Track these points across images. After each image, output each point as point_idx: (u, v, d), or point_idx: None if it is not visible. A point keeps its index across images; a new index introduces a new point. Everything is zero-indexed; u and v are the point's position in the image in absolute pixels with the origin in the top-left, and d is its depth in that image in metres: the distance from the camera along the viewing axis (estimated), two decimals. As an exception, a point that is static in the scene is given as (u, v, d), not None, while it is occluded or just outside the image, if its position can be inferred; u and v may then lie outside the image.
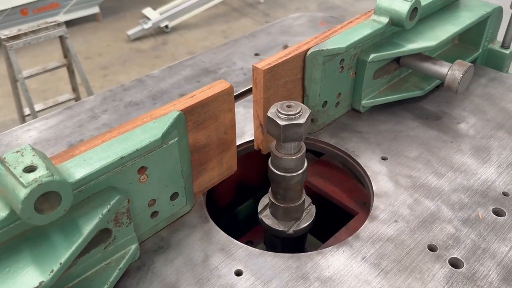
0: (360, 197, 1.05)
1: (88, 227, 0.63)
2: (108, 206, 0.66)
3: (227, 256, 0.78)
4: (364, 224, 0.82)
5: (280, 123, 0.76)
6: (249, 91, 1.19)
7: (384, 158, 0.96)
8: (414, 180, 0.91)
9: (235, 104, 0.99)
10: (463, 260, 0.76)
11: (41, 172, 0.55)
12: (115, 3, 5.68)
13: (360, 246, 0.79)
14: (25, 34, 2.61)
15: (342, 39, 0.95)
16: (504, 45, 1.25)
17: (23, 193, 0.54)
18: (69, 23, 4.66)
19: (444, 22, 1.11)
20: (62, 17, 4.66)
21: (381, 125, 1.06)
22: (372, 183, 0.90)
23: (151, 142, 0.70)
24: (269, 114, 0.78)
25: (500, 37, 1.28)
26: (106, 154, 0.67)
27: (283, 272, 0.75)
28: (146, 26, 4.90)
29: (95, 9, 5.16)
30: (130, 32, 4.90)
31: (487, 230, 0.81)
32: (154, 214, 0.79)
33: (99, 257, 0.71)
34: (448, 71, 1.02)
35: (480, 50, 1.23)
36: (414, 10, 0.99)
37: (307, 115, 0.77)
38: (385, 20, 1.00)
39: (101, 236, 0.70)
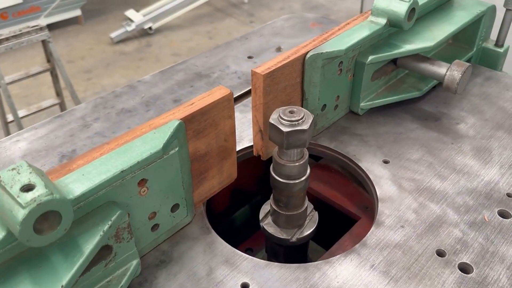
0: (361, 201, 1.03)
1: (89, 246, 0.60)
2: (109, 223, 0.63)
3: (232, 268, 0.75)
4: (370, 231, 0.81)
5: (283, 130, 0.74)
6: (244, 95, 1.17)
7: (386, 162, 0.95)
8: (418, 183, 0.90)
9: (233, 109, 0.96)
10: (472, 265, 0.74)
11: (39, 191, 0.52)
12: (97, 5, 5.59)
13: (368, 254, 0.77)
14: (7, 39, 2.54)
15: (341, 41, 0.94)
16: (498, 44, 1.25)
17: (21, 214, 0.50)
18: (50, 26, 4.55)
19: (440, 22, 1.10)
20: (43, 21, 4.57)
21: (381, 127, 1.04)
22: (376, 188, 0.89)
23: (152, 153, 0.67)
24: (271, 120, 0.76)
25: (493, 35, 1.28)
26: (106, 168, 0.64)
27: (291, 283, 0.73)
28: (129, 28, 4.84)
29: (77, 12, 5.08)
30: (113, 34, 4.83)
31: (494, 233, 0.80)
32: (155, 227, 0.77)
33: (99, 275, 0.68)
34: (446, 71, 1.01)
35: (475, 49, 1.23)
36: (412, 10, 0.98)
37: (310, 121, 0.75)
38: (383, 21, 0.99)
39: (102, 253, 0.67)
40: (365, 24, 0.99)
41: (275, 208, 0.87)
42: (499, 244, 0.78)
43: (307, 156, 0.81)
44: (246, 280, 0.74)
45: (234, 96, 1.15)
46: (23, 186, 0.53)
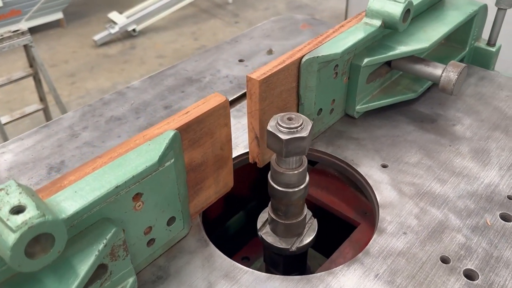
0: (360, 206, 1.01)
1: (84, 267, 0.57)
2: (104, 241, 0.60)
3: (232, 283, 0.72)
4: (372, 239, 0.79)
5: (282, 138, 0.71)
6: (237, 100, 1.14)
7: (384, 166, 0.93)
8: (418, 187, 0.88)
9: (227, 116, 0.94)
10: (477, 271, 0.73)
11: (30, 213, 0.49)
12: (80, 8, 5.51)
13: (371, 263, 0.75)
14: (-13, 44, 2.47)
15: (336, 44, 0.92)
16: (490, 43, 1.24)
17: (12, 238, 0.47)
18: (32, 30, 4.46)
19: (434, 22, 1.09)
20: (24, 24, 4.47)
21: (377, 130, 1.03)
22: (376, 193, 0.87)
23: (148, 167, 0.64)
24: (269, 128, 0.73)
25: (484, 35, 1.27)
26: (99, 184, 0.60)
27: (294, 296, 0.70)
28: (113, 31, 4.77)
29: (59, 15, 4.99)
30: (97, 37, 4.75)
31: (497, 237, 0.78)
32: (151, 242, 0.74)
33: (95, 296, 0.64)
34: (442, 72, 0.99)
35: (467, 48, 1.22)
36: (407, 11, 0.96)
37: (309, 127, 0.73)
38: (377, 23, 0.97)
39: (97, 272, 0.63)
40: (360, 26, 0.97)
41: (274, 217, 0.85)
42: (503, 249, 0.76)
43: (306, 164, 0.79)
44: (247, 294, 0.71)
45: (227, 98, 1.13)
46: (12, 208, 0.49)
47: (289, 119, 0.73)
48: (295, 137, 0.71)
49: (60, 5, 4.89)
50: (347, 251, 0.92)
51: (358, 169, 0.92)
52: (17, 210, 0.49)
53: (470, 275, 0.73)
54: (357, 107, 1.03)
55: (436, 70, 1.01)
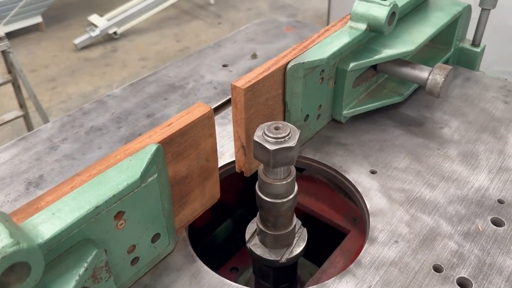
0: (349, 213, 1.00)
1: (64, 294, 0.54)
2: (85, 265, 0.57)
3: (221, 300, 0.70)
4: (364, 248, 0.77)
5: (270, 148, 0.69)
6: (222, 107, 1.12)
7: (373, 172, 0.92)
8: (408, 193, 0.87)
9: (211, 124, 0.91)
10: (471, 279, 0.72)
11: (3, 241, 0.46)
12: (59, 11, 5.41)
13: (363, 274, 0.73)
14: (-38, 51, 2.40)
15: (322, 49, 0.90)
16: (474, 43, 1.24)
17: (-17, 270, 0.44)
18: (10, 35, 4.38)
19: (419, 24, 1.08)
20: (1, 29, 4.37)
21: (365, 135, 1.01)
22: (366, 201, 0.85)
23: (129, 184, 0.61)
24: (255, 138, 0.71)
25: (469, 35, 1.27)
26: (79, 204, 0.57)
27: (286, 312, 0.68)
28: (93, 34, 4.69)
29: (38, 19, 4.89)
30: (77, 40, 4.67)
31: (489, 243, 0.77)
32: (135, 260, 0.71)
33: (77, 321, 0.61)
34: (429, 75, 0.98)
35: (452, 49, 1.22)
36: (392, 14, 0.95)
37: (297, 137, 0.71)
38: (363, 26, 0.95)
39: (78, 296, 0.61)
40: (345, 30, 0.95)
41: (262, 228, 0.82)
42: (495, 255, 0.75)
43: (294, 173, 0.77)
44: (237, 311, 0.69)
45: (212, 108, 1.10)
46: (-16, 237, 0.46)
47: (276, 128, 0.71)
48: (282, 147, 0.69)
49: (39, 8, 4.79)
50: (338, 260, 0.90)
51: (347, 176, 0.91)
52: (-11, 238, 0.46)
53: (463, 283, 0.72)
54: (344, 112, 1.02)
55: (422, 73, 1.00)
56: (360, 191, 0.87)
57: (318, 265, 1.09)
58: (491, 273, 0.73)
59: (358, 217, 1.00)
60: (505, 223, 0.80)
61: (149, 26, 5.17)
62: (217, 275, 0.74)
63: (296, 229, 0.87)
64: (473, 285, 0.71)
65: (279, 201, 0.77)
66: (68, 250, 0.58)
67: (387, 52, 0.99)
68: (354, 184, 0.89)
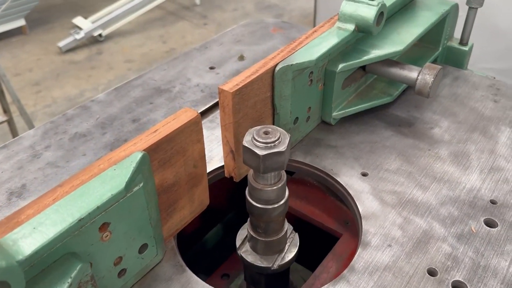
0: (341, 216, 0.98)
1: (47, 312, 0.51)
2: (69, 280, 0.55)
3: (212, 311, 0.68)
4: (357, 253, 0.76)
5: (259, 153, 0.67)
6: (210, 110, 1.10)
7: (364, 174, 0.90)
8: (400, 196, 0.86)
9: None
10: (466, 283, 0.71)
11: (-20, 261, 0.43)
12: (42, 14, 5.33)
13: (357, 280, 0.72)
14: None
15: (310, 51, 0.88)
16: (462, 42, 1.23)
17: (-42, 292, 0.42)
18: (-9, 39, 4.31)
19: (407, 24, 1.07)
20: (-17, 33, 4.29)
21: (355, 136, 1.00)
22: (358, 204, 0.84)
23: (114, 195, 0.59)
24: (244, 143, 0.69)
25: (456, 34, 1.27)
26: (61, 217, 0.55)
27: (279, 322, 0.66)
28: (78, 36, 4.63)
29: (21, 22, 4.81)
30: (61, 43, 4.60)
31: (483, 244, 0.76)
32: (122, 272, 0.68)
33: (62, 338, 0.59)
34: (418, 75, 0.97)
35: (440, 48, 1.21)
36: (380, 14, 0.93)
37: (287, 141, 0.69)
38: (351, 27, 0.94)
39: (62, 312, 0.58)
40: (333, 31, 0.94)
41: (253, 235, 0.81)
42: (489, 257, 0.74)
43: (285, 178, 0.75)
44: (229, 322, 0.67)
45: (199, 112, 1.08)
46: (-41, 256, 0.44)
47: (266, 133, 0.69)
48: (272, 152, 0.67)
49: (22, 11, 4.71)
50: (331, 265, 0.89)
51: (338, 179, 0.89)
52: (-36, 258, 0.44)
53: (458, 287, 0.71)
54: (334, 113, 1.00)
55: (411, 73, 0.99)
56: (352, 194, 0.86)
57: (310, 269, 1.07)
58: (486, 275, 0.72)
59: (350, 220, 0.98)
60: (498, 224, 0.80)
61: (134, 28, 5.12)
62: (207, 285, 0.72)
63: (288, 235, 0.85)
64: (468, 289, 0.70)
65: (270, 206, 0.75)
66: (51, 265, 0.55)
67: (376, 52, 0.97)
68: (346, 187, 0.88)
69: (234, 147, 0.84)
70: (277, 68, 0.84)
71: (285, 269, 0.85)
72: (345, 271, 0.73)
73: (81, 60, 4.57)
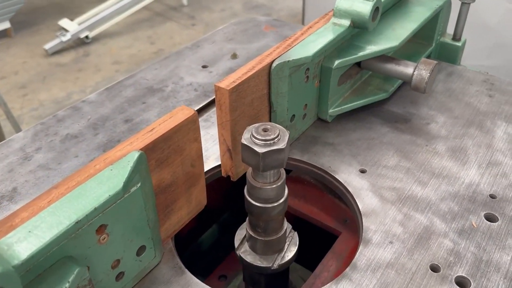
0: (339, 214, 0.97)
1: (44, 319, 0.49)
2: (67, 285, 0.53)
3: (214, 313, 0.66)
4: (359, 251, 0.75)
5: (259, 151, 0.66)
6: (204, 109, 1.08)
7: (362, 171, 0.89)
8: (399, 192, 0.85)
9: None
10: (469, 278, 0.70)
11: (-26, 267, 0.41)
12: (28, 16, 5.25)
13: (360, 278, 0.71)
14: None
15: (306, 47, 0.87)
16: (455, 38, 1.23)
17: (-48, 300, 0.40)
18: (-24, 42, 4.23)
19: (402, 20, 1.07)
20: (-33, 36, 4.22)
21: (352, 133, 0.99)
22: (357, 201, 0.83)
23: (111, 196, 0.57)
24: (243, 141, 0.67)
25: (449, 29, 1.27)
26: (57, 220, 0.53)
27: (282, 323, 0.65)
28: (64, 39, 4.57)
29: (6, 24, 4.73)
30: (48, 46, 4.54)
31: (484, 239, 0.76)
32: (120, 275, 0.66)
33: None
34: (414, 71, 0.96)
35: (434, 44, 1.21)
36: (376, 10, 0.93)
37: (286, 138, 0.68)
38: (346, 22, 0.93)
39: (60, 318, 0.56)
40: (328, 27, 0.93)
41: (252, 234, 0.79)
42: (491, 252, 0.74)
43: (284, 176, 0.73)
44: (231, 324, 0.65)
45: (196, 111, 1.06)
46: (-49, 262, 0.42)
47: (265, 130, 0.68)
48: (272, 150, 0.66)
49: (7, 14, 4.64)
50: (331, 263, 0.88)
51: (337, 176, 0.88)
52: (-43, 264, 0.42)
53: (462, 282, 0.70)
54: (330, 110, 0.99)
55: (407, 68, 0.98)
56: (351, 192, 0.85)
57: (309, 268, 1.06)
58: (488, 270, 0.71)
59: (349, 217, 0.97)
60: (499, 218, 0.79)
61: (121, 29, 5.07)
62: (207, 286, 0.70)
63: (287, 234, 0.84)
64: (472, 284, 0.69)
65: (270, 205, 0.73)
66: (47, 269, 0.53)
67: (372, 48, 0.97)
68: (344, 184, 0.87)
69: (231, 146, 0.82)
70: (274, 65, 0.82)
71: (285, 269, 0.83)
72: (347, 269, 0.72)
73: (67, 63, 4.51)
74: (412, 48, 1.20)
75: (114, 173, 0.59)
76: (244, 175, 0.85)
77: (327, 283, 0.71)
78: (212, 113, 1.07)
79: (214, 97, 1.09)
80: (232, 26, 1.43)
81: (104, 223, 0.59)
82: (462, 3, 1.17)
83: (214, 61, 1.25)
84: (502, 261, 0.72)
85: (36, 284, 0.52)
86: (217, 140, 0.95)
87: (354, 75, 1.05)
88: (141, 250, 0.68)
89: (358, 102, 1.02)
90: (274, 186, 0.72)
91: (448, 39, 1.24)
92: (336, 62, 0.93)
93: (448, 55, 1.24)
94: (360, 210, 0.82)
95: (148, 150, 0.64)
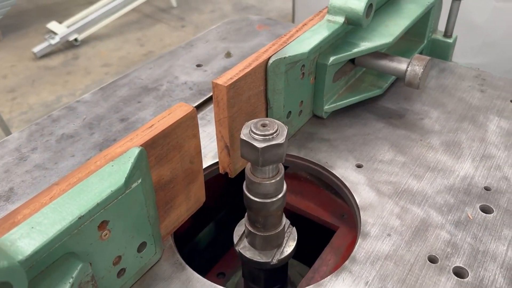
0: (337, 209, 0.98)
1: (49, 314, 0.49)
2: (71, 280, 0.53)
3: (216, 307, 0.67)
4: (357, 244, 0.75)
5: (258, 146, 0.66)
6: (199, 108, 1.08)
7: (359, 166, 0.90)
8: (395, 186, 0.86)
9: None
10: (466, 268, 0.71)
11: (-20, 261, 0.41)
12: (15, 19, 5.21)
13: (359, 270, 0.71)
14: None
15: (302, 43, 0.88)
16: (446, 34, 1.25)
17: (-41, 295, 0.39)
18: (-37, 45, 4.18)
19: (394, 17, 1.08)
20: (-47, 39, 4.16)
21: (347, 129, 1.00)
22: (355, 196, 0.84)
23: (114, 191, 0.57)
24: (242, 136, 0.68)
25: (439, 27, 1.28)
26: (60, 216, 0.53)
27: (284, 316, 0.65)
28: (53, 42, 4.53)
29: (-8, 27, 4.69)
30: (36, 49, 4.50)
31: (480, 230, 0.77)
32: (121, 272, 0.66)
33: None
34: (407, 67, 0.98)
35: (425, 41, 1.22)
36: (369, 7, 0.94)
37: (285, 133, 0.68)
38: (340, 19, 0.94)
39: (63, 315, 0.56)
40: (323, 24, 0.94)
41: (251, 230, 0.79)
42: (488, 242, 0.75)
43: (283, 171, 0.74)
44: (233, 319, 0.65)
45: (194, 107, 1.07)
46: (-43, 257, 0.41)
47: (263, 125, 0.68)
48: (271, 145, 0.67)
49: (-6, 17, 4.59)
50: (329, 258, 0.88)
51: (334, 172, 0.89)
52: (-37, 259, 0.41)
53: (459, 273, 0.71)
54: (325, 107, 1.00)
55: (400, 64, 0.99)
56: (348, 186, 0.86)
57: (307, 264, 1.07)
58: (485, 260, 0.72)
59: (346, 212, 0.98)
60: (494, 209, 0.81)
61: (110, 32, 5.05)
62: (209, 281, 0.70)
63: (286, 229, 0.84)
64: (470, 274, 0.70)
65: (269, 200, 0.74)
66: (50, 266, 0.53)
67: (366, 45, 0.98)
68: (341, 179, 0.87)
69: (229, 142, 0.83)
70: (270, 61, 0.83)
71: (284, 264, 0.84)
72: (346, 262, 0.73)
73: (56, 66, 4.48)
74: (404, 45, 1.21)
75: (115, 169, 0.59)
76: (241, 173, 0.85)
77: (327, 276, 0.71)
78: (208, 111, 1.07)
79: (209, 95, 1.10)
80: (225, 25, 1.43)
81: (106, 219, 0.59)
82: (453, 0, 1.19)
83: (208, 60, 1.25)
84: (498, 251, 0.74)
85: (39, 280, 0.52)
86: (214, 138, 0.96)
87: (348, 72, 1.06)
88: (142, 246, 0.68)
89: (353, 99, 1.03)
90: (273, 181, 0.72)
91: (439, 36, 1.26)
92: (331, 58, 0.94)
93: (440, 52, 1.26)
94: (358, 204, 0.82)
95: (148, 147, 0.64)
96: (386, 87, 1.08)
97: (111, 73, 4.30)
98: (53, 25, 4.72)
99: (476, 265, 0.72)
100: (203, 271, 1.10)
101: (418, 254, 0.73)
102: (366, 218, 0.80)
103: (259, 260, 0.80)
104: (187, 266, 0.73)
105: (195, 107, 1.06)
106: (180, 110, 0.70)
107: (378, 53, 1.03)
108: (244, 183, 0.75)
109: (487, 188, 0.85)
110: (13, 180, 0.88)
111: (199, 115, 1.06)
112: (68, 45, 4.71)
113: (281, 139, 0.67)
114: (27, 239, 0.50)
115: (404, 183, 0.87)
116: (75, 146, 0.97)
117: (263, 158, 0.67)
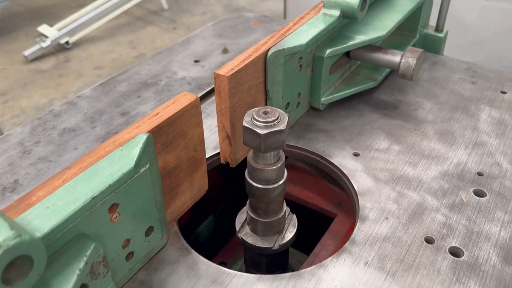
0: (335, 198, 1.01)
1: (66, 290, 0.51)
2: (85, 259, 0.54)
3: (222, 288, 0.69)
4: (356, 227, 0.78)
5: (260, 132, 0.69)
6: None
7: (356, 154, 0.93)
8: (392, 172, 0.89)
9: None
10: (462, 248, 0.74)
11: (4, 234, 0.43)
12: (5, 23, 5.19)
13: (359, 251, 0.74)
14: None
15: (299, 36, 0.90)
16: (438, 29, 1.29)
17: (-16, 265, 0.41)
18: (-47, 49, 4.16)
19: (387, 11, 1.11)
20: None
21: (344, 120, 1.03)
22: (352, 182, 0.86)
23: (124, 173, 0.59)
24: (245, 123, 0.70)
25: (430, 22, 1.32)
26: (74, 197, 0.55)
27: (288, 295, 0.68)
28: (44, 45, 4.52)
29: (-17, 31, 4.66)
30: (27, 52, 4.49)
31: (474, 213, 0.80)
32: (129, 255, 0.68)
33: (75, 321, 0.58)
34: (401, 59, 1.01)
35: (417, 36, 1.26)
36: (364, 0, 0.97)
37: (286, 120, 0.71)
38: (336, 13, 0.97)
39: (76, 294, 0.58)
40: (319, 17, 0.97)
41: (253, 216, 0.82)
42: (481, 224, 0.78)
43: (283, 158, 0.77)
44: (239, 299, 0.68)
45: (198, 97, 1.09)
46: (-19, 231, 0.43)
47: (265, 113, 0.71)
48: (273, 131, 0.69)
49: (-16, 20, 4.58)
50: (329, 243, 0.91)
51: (332, 160, 0.92)
52: (-13, 232, 0.43)
53: (455, 252, 0.74)
54: (322, 99, 1.03)
55: (394, 57, 1.03)
56: (346, 174, 0.88)
57: (306, 253, 1.09)
58: (479, 240, 0.75)
59: (344, 200, 1.01)
60: (487, 193, 0.84)
61: (102, 34, 5.05)
62: (214, 264, 0.73)
63: (286, 216, 0.87)
64: (465, 253, 0.73)
65: (270, 186, 0.76)
66: (64, 246, 0.55)
67: (361, 38, 1.01)
68: (339, 167, 0.90)
69: (230, 132, 0.85)
70: (270, 53, 0.85)
71: (285, 249, 0.86)
72: (346, 244, 0.75)
73: (48, 69, 4.47)
74: (397, 40, 1.25)
75: (125, 154, 0.61)
76: (241, 164, 0.88)
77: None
78: (207, 104, 1.09)
79: (208, 89, 1.12)
80: (222, 22, 1.46)
81: (116, 202, 0.61)
82: (443, -4, 1.22)
83: (206, 56, 1.28)
84: (492, 232, 0.77)
85: (54, 259, 0.54)
86: (214, 130, 0.98)
87: (344, 65, 1.09)
88: (149, 230, 0.70)
89: (349, 91, 1.06)
90: (275, 167, 0.75)
91: (431, 31, 1.30)
92: (328, 51, 0.97)
93: (431, 46, 1.30)
94: (356, 190, 0.85)
95: (155, 133, 0.67)
96: (381, 79, 1.11)
97: (103, 76, 4.30)
98: (44, 28, 4.71)
99: (471, 245, 0.75)
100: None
101: (415, 236, 0.76)
102: (364, 203, 0.82)
103: (261, 246, 0.83)
104: (192, 250, 0.75)
105: (195, 100, 1.09)
106: (184, 99, 0.72)
107: (372, 46, 1.06)
108: (246, 170, 0.77)
109: (479, 174, 0.88)
110: (18, 172, 0.89)
111: (199, 108, 1.08)
112: (60, 48, 4.70)
113: (282, 126, 0.70)
114: (42, 219, 0.52)
115: (400, 170, 0.89)
116: (78, 139, 0.98)
117: (265, 144, 0.70)
